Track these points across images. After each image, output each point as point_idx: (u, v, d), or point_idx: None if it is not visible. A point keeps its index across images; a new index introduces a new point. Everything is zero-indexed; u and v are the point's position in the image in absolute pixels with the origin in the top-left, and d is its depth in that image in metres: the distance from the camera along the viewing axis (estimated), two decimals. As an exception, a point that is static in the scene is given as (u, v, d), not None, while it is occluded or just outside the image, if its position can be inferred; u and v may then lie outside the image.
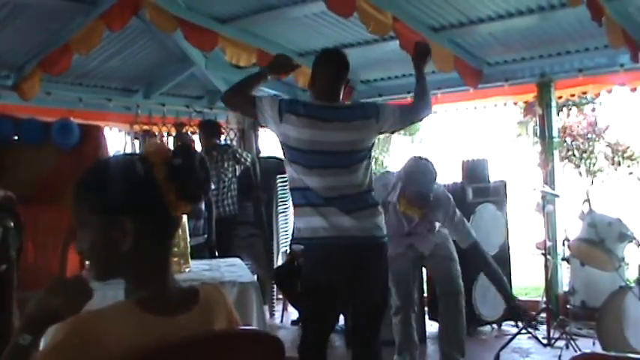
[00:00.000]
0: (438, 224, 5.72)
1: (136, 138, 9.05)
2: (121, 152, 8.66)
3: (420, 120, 4.70)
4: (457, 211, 5.60)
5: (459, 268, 5.81)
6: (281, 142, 4.24)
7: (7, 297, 1.77)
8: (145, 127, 9.08)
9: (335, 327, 4.64)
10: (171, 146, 8.25)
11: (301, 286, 4.46)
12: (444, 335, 5.84)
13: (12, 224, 1.79)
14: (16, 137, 6.85)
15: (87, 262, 1.94)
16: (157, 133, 9.13)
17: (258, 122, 9.61)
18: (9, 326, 1.77)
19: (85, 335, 1.59)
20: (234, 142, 9.75)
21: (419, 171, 5.39)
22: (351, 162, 4.18)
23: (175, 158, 1.80)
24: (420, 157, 5.60)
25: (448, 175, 7.39)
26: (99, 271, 1.84)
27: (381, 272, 4.32)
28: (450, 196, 5.67)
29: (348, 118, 4.18)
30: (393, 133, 4.70)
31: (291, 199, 4.37)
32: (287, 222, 9.22)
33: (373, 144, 4.36)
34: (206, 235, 7.35)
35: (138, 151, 8.94)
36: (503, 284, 5.57)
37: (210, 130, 8.11)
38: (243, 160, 8.21)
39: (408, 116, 4.48)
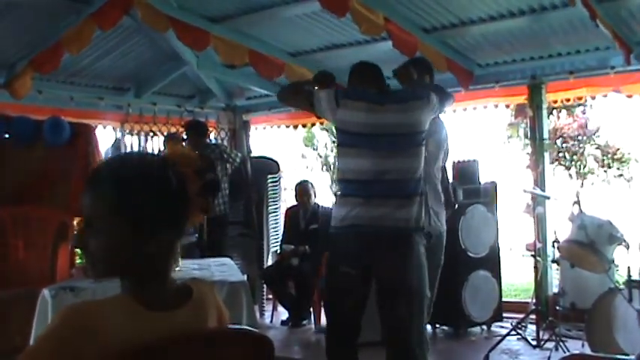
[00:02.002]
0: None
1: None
2: (115, 151, 8.65)
3: (449, 105, 4.81)
4: None
5: None
6: (338, 129, 4.29)
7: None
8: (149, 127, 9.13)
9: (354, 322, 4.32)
10: (162, 144, 8.33)
11: (325, 277, 4.40)
12: None
13: None
14: (7, 135, 6.85)
15: (83, 260, 1.94)
16: (157, 133, 9.17)
17: (249, 123, 9.76)
18: None
19: (82, 323, 1.60)
20: (225, 142, 9.75)
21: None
22: (408, 145, 4.18)
23: (207, 173, 1.82)
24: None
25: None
26: (100, 270, 1.80)
27: (412, 265, 4.17)
28: None
29: (401, 100, 4.25)
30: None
31: (337, 189, 4.35)
32: (277, 222, 9.24)
33: (425, 130, 4.31)
34: (197, 235, 7.35)
35: (135, 148, 8.98)
36: None
37: (197, 129, 8.11)
38: (231, 159, 8.19)
39: (442, 102, 4.50)
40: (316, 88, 4.48)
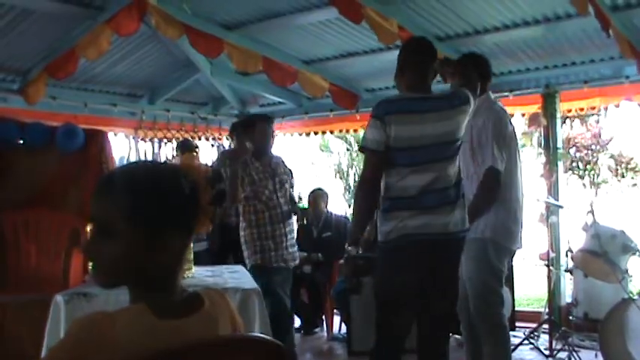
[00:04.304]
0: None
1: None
2: (126, 158, 8.69)
3: None
4: None
5: None
6: (391, 148, 3.93)
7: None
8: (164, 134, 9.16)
9: (409, 332, 4.19)
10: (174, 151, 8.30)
11: (377, 289, 4.18)
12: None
13: None
14: (21, 141, 6.87)
15: (92, 267, 1.96)
16: (170, 140, 9.18)
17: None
18: None
19: (96, 335, 1.60)
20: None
21: None
22: (453, 153, 4.01)
23: (218, 183, 1.86)
24: None
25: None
26: (109, 278, 1.80)
27: (456, 270, 4.13)
28: None
29: (443, 107, 4.00)
30: None
31: (382, 206, 4.02)
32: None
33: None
34: (209, 241, 7.34)
35: (146, 156, 9.01)
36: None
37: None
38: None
39: None
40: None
